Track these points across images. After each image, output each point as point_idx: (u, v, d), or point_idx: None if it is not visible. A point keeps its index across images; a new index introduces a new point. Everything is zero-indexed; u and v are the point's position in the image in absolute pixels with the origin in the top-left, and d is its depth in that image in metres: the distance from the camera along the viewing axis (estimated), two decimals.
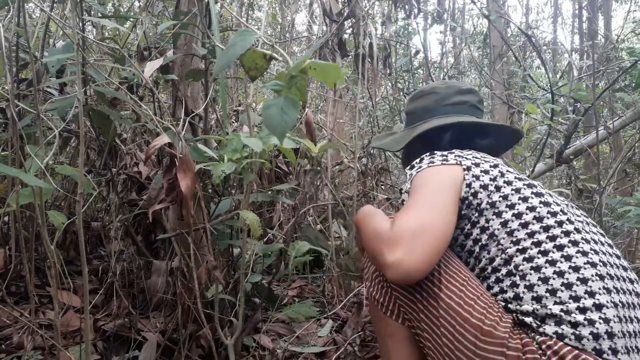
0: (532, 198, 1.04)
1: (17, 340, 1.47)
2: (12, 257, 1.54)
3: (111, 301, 1.75)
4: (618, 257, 1.05)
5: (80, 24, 1.58)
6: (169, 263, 1.63)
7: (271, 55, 0.96)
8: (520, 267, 0.96)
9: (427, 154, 1.17)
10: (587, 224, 1.08)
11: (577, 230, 1.00)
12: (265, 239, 2.12)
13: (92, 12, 2.06)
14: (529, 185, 1.07)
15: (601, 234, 1.08)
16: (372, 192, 2.64)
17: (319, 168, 2.21)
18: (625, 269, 1.02)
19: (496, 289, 0.99)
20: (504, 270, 0.98)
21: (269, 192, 1.86)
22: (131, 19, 2.00)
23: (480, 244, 1.04)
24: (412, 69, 4.12)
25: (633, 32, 6.20)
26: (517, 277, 0.96)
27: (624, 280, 0.99)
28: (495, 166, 1.10)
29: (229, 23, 3.54)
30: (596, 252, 0.98)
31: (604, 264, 0.97)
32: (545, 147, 3.06)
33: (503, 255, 0.99)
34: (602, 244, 1.04)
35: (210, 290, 1.44)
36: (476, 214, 1.05)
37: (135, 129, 2.01)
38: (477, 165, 1.09)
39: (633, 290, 0.99)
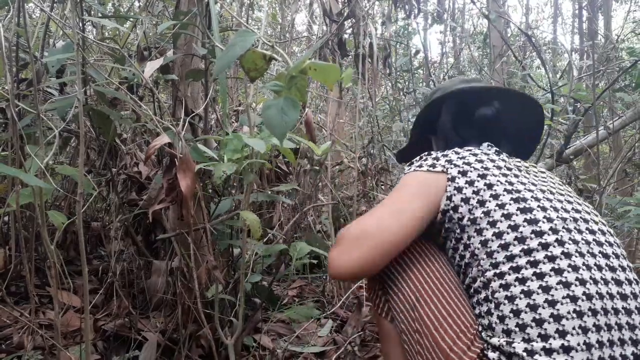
0: (515, 215, 0.95)
1: (17, 340, 1.47)
2: (12, 257, 1.54)
3: (111, 301, 1.75)
4: (619, 284, 0.91)
5: (80, 24, 1.58)
6: (169, 263, 1.63)
7: (271, 56, 0.96)
8: (496, 295, 0.91)
9: (425, 153, 1.14)
10: (587, 243, 0.94)
11: (566, 255, 0.90)
12: (265, 239, 2.12)
13: (92, 12, 2.06)
14: (517, 200, 0.97)
15: (603, 255, 0.94)
16: (372, 192, 2.64)
17: (317, 168, 2.21)
18: (625, 297, 0.90)
19: (476, 311, 0.97)
20: (482, 295, 0.95)
21: (269, 192, 1.86)
22: (131, 19, 2.00)
23: (464, 261, 1.00)
24: (412, 69, 4.11)
25: (633, 32, 6.20)
26: (492, 305, 0.91)
27: (617, 312, 0.87)
28: (484, 176, 1.02)
29: (229, 23, 3.54)
30: (583, 283, 0.87)
31: (590, 297, 0.86)
32: (545, 147, 3.06)
33: (482, 278, 0.95)
34: (599, 269, 0.91)
35: (210, 290, 1.44)
36: (458, 230, 1.01)
37: (135, 129, 2.01)
38: (464, 174, 1.03)
39: (629, 323, 0.87)
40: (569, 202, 1.03)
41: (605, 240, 0.98)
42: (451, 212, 1.02)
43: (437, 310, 0.97)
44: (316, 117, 3.65)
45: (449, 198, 1.02)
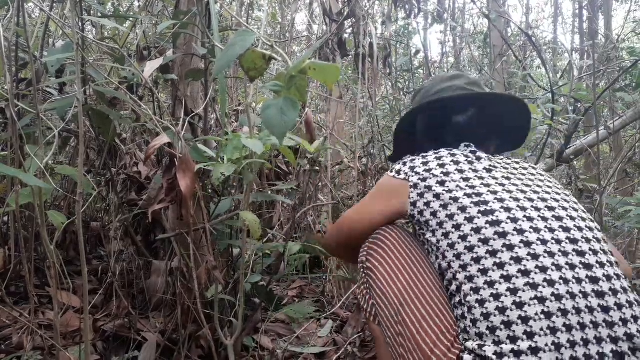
0: (477, 218, 0.97)
1: (17, 341, 1.47)
2: (11, 257, 1.54)
3: (111, 301, 1.75)
4: (595, 281, 0.90)
5: (80, 24, 1.58)
6: (168, 263, 1.63)
7: (270, 56, 0.95)
8: (468, 298, 0.93)
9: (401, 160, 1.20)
10: (558, 242, 0.94)
11: (533, 256, 0.91)
12: (265, 239, 2.12)
13: (92, 12, 2.06)
14: (478, 203, 0.99)
15: (578, 253, 0.93)
16: None
17: (317, 168, 2.20)
18: (601, 294, 0.88)
19: (455, 313, 0.98)
20: (457, 298, 0.97)
21: (269, 192, 1.86)
22: (131, 19, 2.00)
23: (438, 262, 1.03)
24: (413, 69, 4.11)
25: (633, 31, 6.20)
26: (466, 309, 0.93)
27: (592, 310, 0.87)
28: (443, 182, 1.05)
29: (228, 23, 3.54)
30: (551, 283, 0.88)
31: (559, 298, 0.86)
32: (546, 147, 3.05)
33: (456, 282, 0.97)
34: (572, 268, 0.90)
35: (210, 290, 1.44)
36: (429, 234, 1.04)
37: (135, 129, 2.01)
38: (424, 180, 1.07)
39: (606, 320, 0.86)
40: (542, 199, 1.02)
41: (582, 237, 0.97)
42: (418, 216, 1.07)
43: (419, 313, 0.99)
44: (316, 117, 3.65)
45: (413, 204, 1.08)
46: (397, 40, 4.91)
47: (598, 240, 0.98)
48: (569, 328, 0.85)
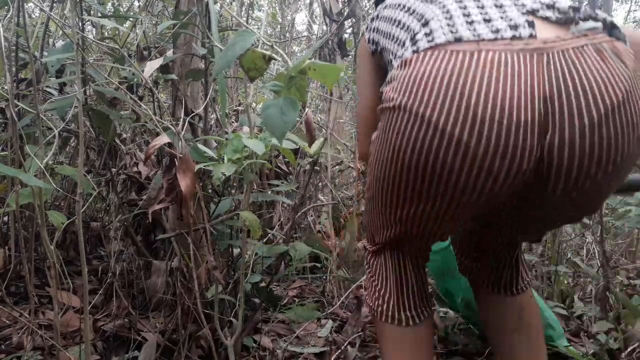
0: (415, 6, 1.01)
1: (17, 341, 1.47)
2: (11, 257, 1.54)
3: (111, 301, 1.75)
4: None
5: (80, 24, 1.58)
6: (168, 263, 1.63)
7: (270, 56, 0.96)
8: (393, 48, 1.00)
9: None
10: None
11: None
12: (265, 239, 2.12)
13: (92, 12, 2.06)
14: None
15: None
16: None
17: (318, 168, 2.21)
18: None
19: None
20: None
21: (269, 192, 1.86)
22: (131, 19, 2.00)
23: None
24: None
25: None
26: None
27: None
28: (381, 10, 1.12)
29: (228, 23, 3.53)
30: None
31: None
32: None
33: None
34: None
35: (210, 290, 1.44)
36: (384, 52, 1.09)
37: (135, 129, 2.01)
38: (371, 18, 1.16)
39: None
40: None
41: None
42: (376, 47, 1.12)
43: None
44: (316, 117, 3.65)
45: (368, 41, 1.14)
46: None
47: None
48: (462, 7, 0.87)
